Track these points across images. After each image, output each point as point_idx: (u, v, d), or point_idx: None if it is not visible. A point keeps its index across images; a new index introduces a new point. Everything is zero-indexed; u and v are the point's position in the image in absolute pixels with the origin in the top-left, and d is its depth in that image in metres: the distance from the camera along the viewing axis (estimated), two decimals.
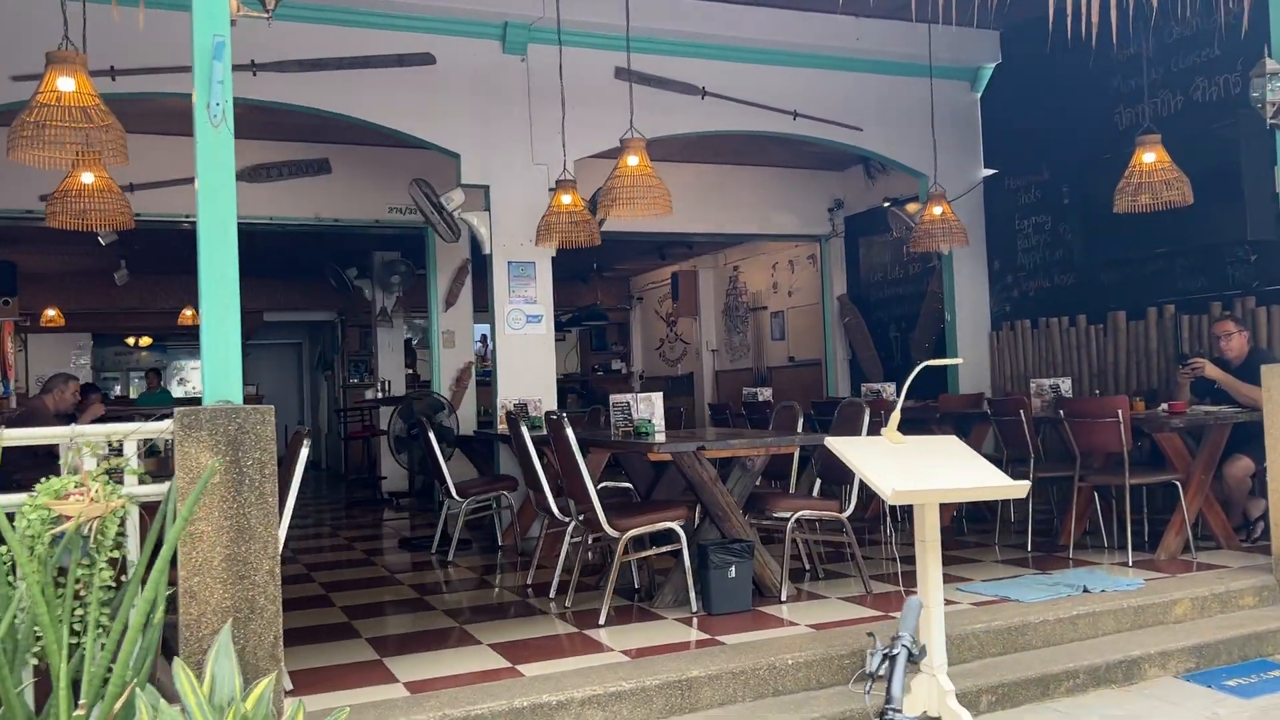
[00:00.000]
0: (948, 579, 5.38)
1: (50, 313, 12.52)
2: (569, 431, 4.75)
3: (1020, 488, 3.65)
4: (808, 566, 5.67)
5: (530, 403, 7.34)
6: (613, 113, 8.00)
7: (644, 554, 5.01)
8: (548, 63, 7.47)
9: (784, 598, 4.93)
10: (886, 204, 9.88)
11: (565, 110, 7.18)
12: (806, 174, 10.91)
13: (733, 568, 4.67)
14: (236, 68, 6.87)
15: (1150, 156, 6.22)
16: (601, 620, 4.59)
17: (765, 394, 9.82)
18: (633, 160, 5.88)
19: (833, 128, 8.62)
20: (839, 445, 3.74)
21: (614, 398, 5.70)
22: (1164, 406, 5.91)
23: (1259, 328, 6.81)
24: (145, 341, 16.06)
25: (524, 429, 5.14)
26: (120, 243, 11.69)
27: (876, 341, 10.65)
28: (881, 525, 7.03)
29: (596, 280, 16.11)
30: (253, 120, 8.32)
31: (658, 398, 5.86)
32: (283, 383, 19.33)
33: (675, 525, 4.74)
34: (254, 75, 6.92)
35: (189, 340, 17.58)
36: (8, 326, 12.41)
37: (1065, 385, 6.58)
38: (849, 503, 5.37)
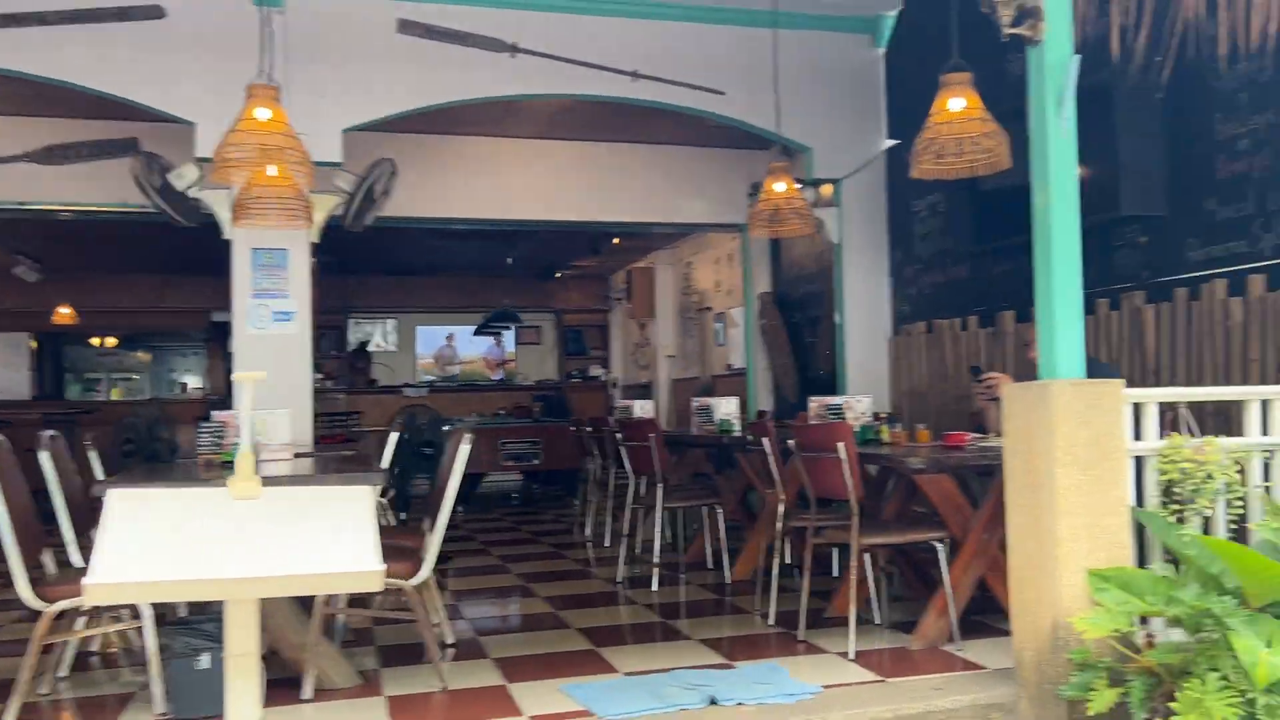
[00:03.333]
0: (601, 667, 3.97)
1: None
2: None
3: (371, 578, 2.30)
4: (449, 642, 4.34)
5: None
6: (393, 73, 6.84)
7: (90, 631, 3.79)
8: (311, 13, 6.39)
9: (307, 695, 3.62)
10: (798, 185, 8.35)
11: (326, 70, 6.08)
12: (720, 153, 9.41)
13: (205, 655, 3.40)
14: None
15: (958, 103, 4.64)
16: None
17: (646, 408, 8.43)
18: (262, 114, 4.65)
19: (684, 91, 7.18)
20: (115, 498, 2.44)
21: (215, 415, 4.50)
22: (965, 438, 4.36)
23: (1144, 331, 5.14)
24: (111, 342, 15.53)
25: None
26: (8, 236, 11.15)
27: (795, 347, 9.10)
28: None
29: (567, 279, 14.91)
30: (38, 96, 7.44)
31: (284, 414, 4.66)
32: None
33: None
34: None
35: (171, 340, 17.10)
36: None
37: (862, 404, 5.02)
38: (425, 556, 3.91)
